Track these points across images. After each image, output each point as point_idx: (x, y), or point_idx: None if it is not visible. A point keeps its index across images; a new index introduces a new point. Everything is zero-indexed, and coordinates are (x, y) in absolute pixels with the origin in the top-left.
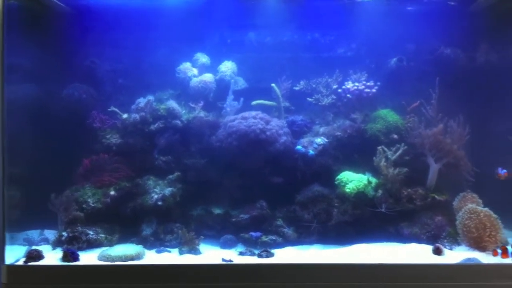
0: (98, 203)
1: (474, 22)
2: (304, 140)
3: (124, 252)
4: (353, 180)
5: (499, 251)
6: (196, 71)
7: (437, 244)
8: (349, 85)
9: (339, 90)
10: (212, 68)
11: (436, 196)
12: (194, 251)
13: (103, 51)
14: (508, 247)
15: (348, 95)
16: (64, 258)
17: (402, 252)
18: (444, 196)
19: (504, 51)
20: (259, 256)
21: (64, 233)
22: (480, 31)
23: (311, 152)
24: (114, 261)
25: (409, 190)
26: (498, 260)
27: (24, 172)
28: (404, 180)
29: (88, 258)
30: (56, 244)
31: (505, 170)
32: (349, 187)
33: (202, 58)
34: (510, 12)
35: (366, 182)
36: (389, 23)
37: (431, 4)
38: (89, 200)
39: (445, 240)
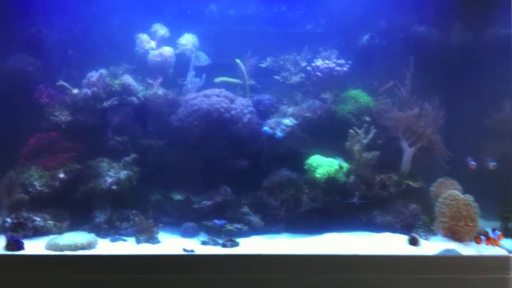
0: (45, 186)
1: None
2: (271, 121)
3: (74, 240)
4: (323, 164)
5: (483, 237)
6: (154, 44)
7: (413, 234)
8: (319, 62)
9: (309, 68)
10: (171, 41)
11: (411, 183)
12: (153, 240)
13: (51, 19)
14: (488, 230)
15: (318, 73)
16: (8, 247)
17: (375, 242)
18: (419, 183)
19: (481, 30)
20: (223, 245)
21: (8, 220)
22: (456, 9)
23: (278, 134)
24: (63, 251)
25: (382, 176)
26: (477, 251)
27: None
28: (376, 166)
29: (34, 246)
30: None
31: (473, 162)
32: (319, 172)
33: (161, 30)
34: None
35: (337, 167)
36: None
37: None
38: (35, 183)
39: (420, 230)
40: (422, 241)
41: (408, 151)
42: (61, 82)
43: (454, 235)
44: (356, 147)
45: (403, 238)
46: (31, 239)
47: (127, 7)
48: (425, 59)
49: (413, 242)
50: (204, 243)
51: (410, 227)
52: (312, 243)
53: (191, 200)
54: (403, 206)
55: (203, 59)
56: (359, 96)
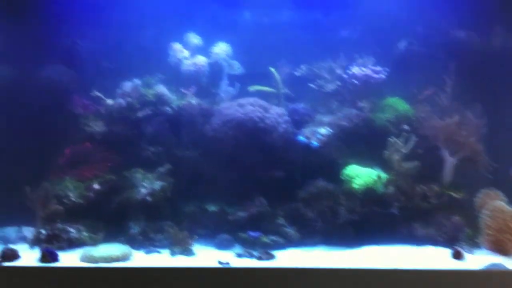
0: (80, 197)
1: (491, 2)
2: (307, 130)
3: (109, 252)
4: (361, 175)
5: None
6: (187, 53)
7: (457, 248)
8: (355, 70)
9: (344, 76)
10: (204, 50)
11: (453, 194)
12: (187, 252)
13: (86, 30)
14: None
15: (354, 81)
16: (42, 259)
17: (417, 256)
18: (461, 194)
19: None
20: (259, 258)
21: (43, 231)
22: (497, 13)
23: (314, 143)
24: (98, 263)
25: (422, 187)
26: None
27: None
28: (416, 176)
29: (69, 258)
30: (34, 242)
31: None
32: (357, 183)
33: (194, 39)
34: None
35: (375, 177)
36: (398, 4)
37: None
38: (70, 194)
39: (464, 243)
40: (466, 255)
41: (450, 161)
42: (96, 93)
43: (501, 249)
44: (396, 157)
45: (446, 252)
46: (66, 251)
47: (161, 16)
48: (466, 65)
49: (457, 255)
50: (239, 255)
51: (453, 240)
52: (351, 256)
53: (226, 211)
54: (445, 218)
55: (237, 68)
56: (398, 104)
